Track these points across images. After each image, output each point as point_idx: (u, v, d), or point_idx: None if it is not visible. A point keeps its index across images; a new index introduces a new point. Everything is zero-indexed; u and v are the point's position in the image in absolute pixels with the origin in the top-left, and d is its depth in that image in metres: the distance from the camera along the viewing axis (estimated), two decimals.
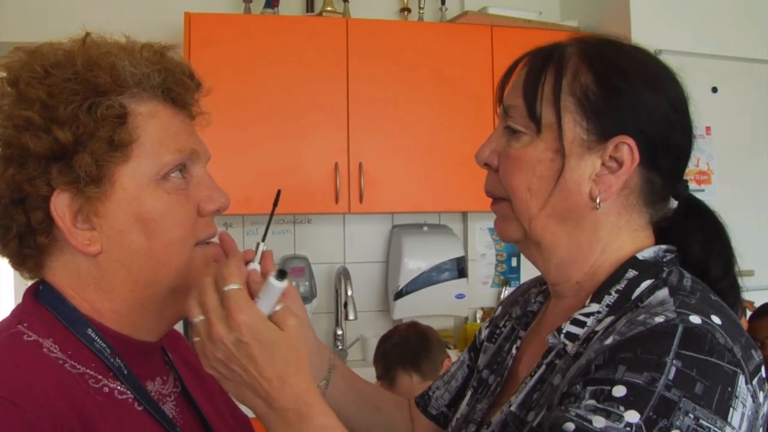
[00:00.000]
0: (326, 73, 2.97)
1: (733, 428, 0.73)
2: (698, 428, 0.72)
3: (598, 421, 0.73)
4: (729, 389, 0.75)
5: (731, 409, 0.74)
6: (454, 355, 2.60)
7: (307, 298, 3.12)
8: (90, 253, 0.82)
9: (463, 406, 1.07)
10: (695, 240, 0.93)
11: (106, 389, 0.81)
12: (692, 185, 3.14)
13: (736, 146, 3.19)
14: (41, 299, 0.85)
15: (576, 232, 0.91)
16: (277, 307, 0.81)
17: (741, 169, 3.20)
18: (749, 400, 0.76)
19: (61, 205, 0.80)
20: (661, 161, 0.89)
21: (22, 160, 0.79)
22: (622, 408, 0.73)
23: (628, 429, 0.72)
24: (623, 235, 0.91)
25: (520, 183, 0.90)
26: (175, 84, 0.87)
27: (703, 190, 3.14)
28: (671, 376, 0.73)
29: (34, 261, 0.85)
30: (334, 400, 1.09)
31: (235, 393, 0.82)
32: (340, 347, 3.22)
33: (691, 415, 0.72)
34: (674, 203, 0.96)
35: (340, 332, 3.23)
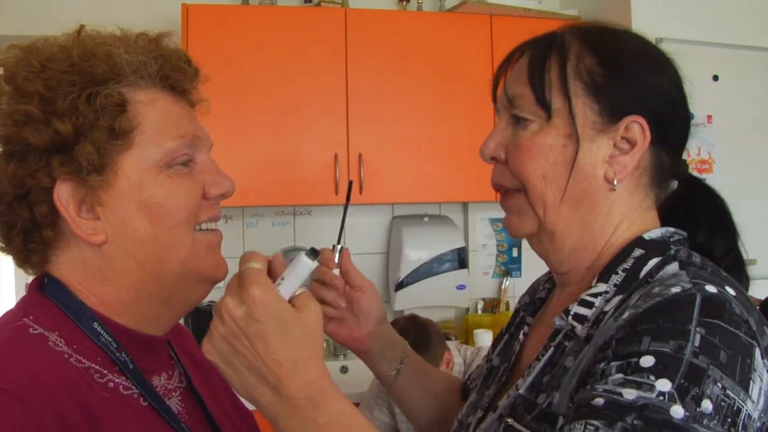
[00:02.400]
0: (325, 64, 2.95)
1: (753, 402, 0.72)
2: (725, 398, 0.71)
3: (629, 393, 0.71)
4: (748, 361, 0.74)
5: (751, 381, 0.73)
6: (453, 347, 2.59)
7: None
8: (95, 243, 0.82)
9: (473, 395, 1.07)
10: (700, 219, 0.94)
11: (111, 384, 0.80)
12: (693, 174, 3.16)
13: (738, 135, 3.19)
14: (46, 292, 0.84)
15: (590, 218, 0.90)
16: (299, 291, 0.77)
17: (742, 158, 3.19)
18: (765, 374, 0.75)
19: (64, 194, 0.80)
20: (669, 138, 0.90)
21: (23, 155, 0.79)
22: (652, 377, 0.71)
23: (661, 398, 0.70)
24: (634, 216, 0.91)
25: (534, 171, 0.89)
26: (172, 71, 0.87)
27: (704, 179, 3.12)
28: (697, 343, 0.72)
29: (39, 256, 0.84)
30: (401, 388, 1.18)
31: (238, 381, 0.75)
32: None
33: (719, 384, 0.71)
34: (674, 184, 0.97)
35: None
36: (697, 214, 0.95)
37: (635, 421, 0.70)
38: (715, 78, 3.13)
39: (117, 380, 0.81)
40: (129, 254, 0.83)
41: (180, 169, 0.85)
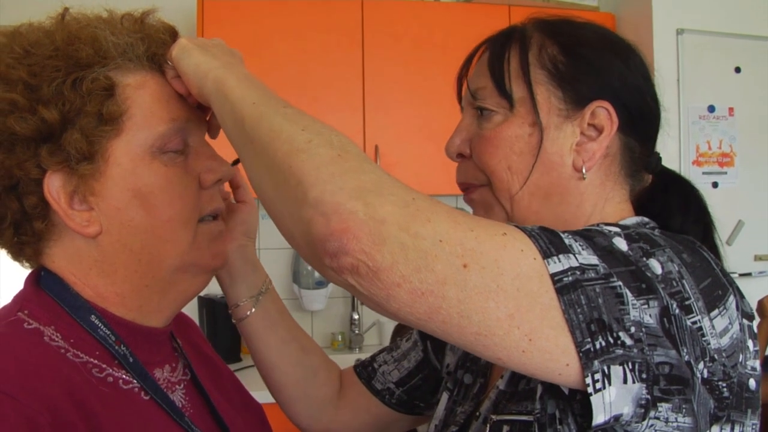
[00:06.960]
0: (342, 55, 2.94)
1: (713, 328, 0.70)
2: (676, 279, 0.69)
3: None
4: (719, 292, 0.72)
5: (717, 308, 0.71)
6: None
7: (323, 282, 3.11)
8: (89, 235, 0.80)
9: (440, 411, 1.01)
10: (672, 208, 0.91)
11: (111, 379, 0.78)
12: (714, 167, 3.13)
13: (760, 127, 3.13)
14: (43, 285, 0.82)
15: (561, 209, 0.87)
16: None
17: (765, 151, 3.13)
18: (737, 324, 0.73)
19: (54, 186, 0.78)
20: (637, 125, 0.87)
21: (10, 144, 0.77)
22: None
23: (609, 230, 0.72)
24: (606, 207, 0.87)
25: (499, 162, 0.87)
26: (158, 48, 0.84)
27: (725, 173, 3.08)
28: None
29: (32, 249, 0.83)
30: (259, 324, 1.07)
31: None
32: (356, 332, 3.21)
33: (676, 266, 0.70)
34: (648, 178, 0.94)
35: (356, 317, 3.22)
36: (669, 205, 0.91)
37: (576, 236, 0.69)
38: (737, 70, 3.07)
39: (116, 374, 0.79)
40: (124, 245, 0.81)
41: (174, 157, 0.83)
